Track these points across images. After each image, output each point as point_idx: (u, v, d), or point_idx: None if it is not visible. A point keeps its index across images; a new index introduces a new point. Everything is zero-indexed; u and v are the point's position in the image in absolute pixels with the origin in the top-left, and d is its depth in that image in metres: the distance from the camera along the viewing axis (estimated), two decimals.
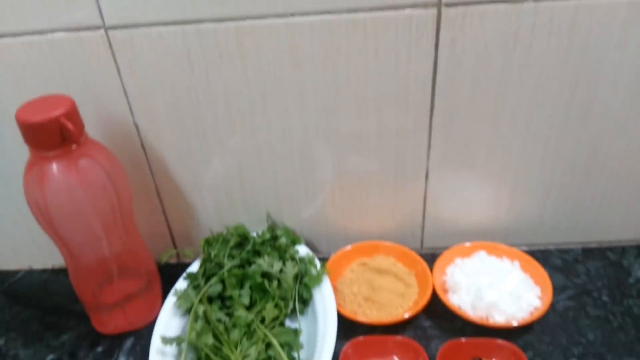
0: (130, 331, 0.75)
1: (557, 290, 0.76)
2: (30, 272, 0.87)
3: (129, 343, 0.74)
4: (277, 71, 0.66)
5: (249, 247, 0.76)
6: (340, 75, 0.66)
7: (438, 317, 0.73)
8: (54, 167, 0.59)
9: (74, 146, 0.60)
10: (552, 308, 0.73)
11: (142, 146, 0.73)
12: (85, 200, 0.62)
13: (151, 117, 0.70)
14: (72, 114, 0.59)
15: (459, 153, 0.73)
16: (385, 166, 0.75)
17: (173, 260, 0.86)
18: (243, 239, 0.78)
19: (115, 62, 0.66)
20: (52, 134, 0.58)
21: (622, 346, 0.68)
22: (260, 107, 0.69)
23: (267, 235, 0.78)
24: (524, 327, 0.70)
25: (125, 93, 0.68)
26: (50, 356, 0.73)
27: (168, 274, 0.78)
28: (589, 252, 0.82)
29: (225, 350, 0.61)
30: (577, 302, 0.74)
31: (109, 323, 0.74)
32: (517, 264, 0.76)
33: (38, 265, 0.88)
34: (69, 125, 0.57)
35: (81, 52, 0.65)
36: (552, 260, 0.81)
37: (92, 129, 0.67)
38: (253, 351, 0.60)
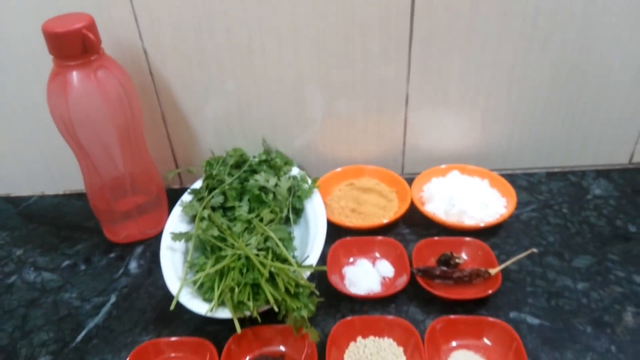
0: (140, 240, 0.83)
1: (521, 204, 0.85)
2: (42, 197, 0.95)
3: (139, 250, 0.82)
4: (272, 1, 0.74)
5: (246, 167, 0.84)
6: (330, 6, 0.75)
7: (415, 226, 0.82)
8: (76, 75, 0.67)
9: (93, 57, 0.67)
10: (516, 218, 0.83)
11: (150, 72, 0.81)
12: (103, 108, 0.69)
13: (159, 43, 0.78)
14: (92, 27, 0.66)
15: (435, 79, 0.82)
16: (369, 92, 0.83)
17: (177, 185, 0.94)
18: (241, 160, 0.86)
19: None
20: (75, 44, 0.65)
21: (578, 246, 0.77)
22: (257, 37, 0.77)
23: (263, 157, 0.86)
24: (491, 231, 0.79)
25: (136, 19, 0.76)
26: (66, 261, 0.80)
27: (173, 197, 0.86)
28: (552, 175, 0.91)
29: (230, 240, 0.69)
30: (539, 213, 0.84)
31: (121, 232, 0.82)
32: (486, 181, 0.85)
33: (50, 191, 0.95)
34: (90, 36, 0.65)
35: None
36: (518, 182, 0.90)
37: None
38: (253, 241, 0.69)
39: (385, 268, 0.74)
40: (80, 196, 0.94)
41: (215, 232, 0.70)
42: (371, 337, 0.65)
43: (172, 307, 0.64)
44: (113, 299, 0.74)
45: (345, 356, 0.63)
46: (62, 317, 0.72)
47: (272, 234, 0.70)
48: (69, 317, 0.71)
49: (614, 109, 0.85)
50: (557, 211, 0.84)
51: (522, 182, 0.90)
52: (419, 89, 0.83)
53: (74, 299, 0.74)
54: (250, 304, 0.61)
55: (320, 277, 0.73)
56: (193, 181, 0.86)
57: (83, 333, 0.69)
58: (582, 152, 0.91)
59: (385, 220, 0.79)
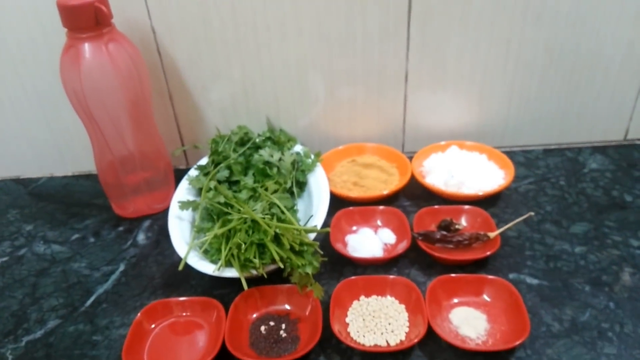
0: (148, 215, 0.85)
1: (519, 178, 0.87)
2: (51, 178, 0.97)
3: (147, 223, 0.84)
4: None
5: (251, 144, 0.86)
6: None
7: (416, 198, 0.84)
8: (88, 46, 0.70)
9: (105, 29, 0.70)
10: (514, 190, 0.85)
11: (158, 51, 0.84)
12: (115, 81, 0.72)
13: (167, 22, 0.81)
14: (104, 0, 0.69)
15: (433, 56, 0.84)
16: (370, 72, 0.86)
17: (183, 166, 0.96)
18: (246, 138, 0.88)
19: None
20: (88, 16, 0.68)
21: (575, 215, 0.79)
22: (261, 15, 0.80)
23: (267, 135, 0.88)
24: (490, 202, 0.81)
25: None
26: (76, 235, 0.82)
27: (180, 177, 0.87)
28: (549, 152, 0.94)
29: (236, 206, 0.71)
30: (537, 185, 0.86)
31: (129, 207, 0.84)
32: (484, 155, 0.87)
33: (59, 172, 0.97)
34: (103, 8, 0.68)
35: None
36: (516, 158, 0.92)
37: None
38: (259, 207, 0.71)
39: (387, 235, 0.75)
40: (88, 177, 0.96)
41: (222, 200, 0.72)
42: (374, 296, 0.66)
43: (180, 267, 0.66)
44: (122, 267, 0.75)
45: (349, 313, 0.64)
46: (72, 285, 0.73)
47: (277, 201, 0.72)
48: (78, 285, 0.73)
49: (607, 84, 0.88)
50: (554, 183, 0.86)
51: (519, 159, 0.92)
52: (418, 67, 0.85)
53: (83, 268, 0.76)
54: (257, 261, 0.63)
55: (323, 244, 0.74)
56: (199, 160, 0.88)
57: (92, 298, 0.71)
58: (578, 128, 0.93)
59: (385, 192, 0.81)
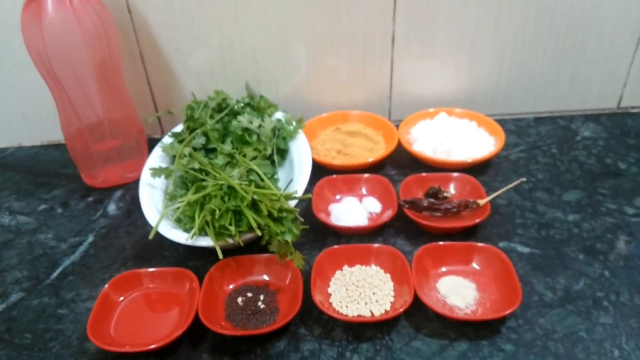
0: (120, 185, 0.80)
1: (510, 146, 0.84)
2: (19, 148, 0.91)
3: (118, 193, 0.79)
4: None
5: (229, 110, 0.82)
6: None
7: (402, 167, 0.80)
8: (50, 1, 0.64)
9: None
10: (505, 158, 0.81)
11: (128, 8, 0.78)
12: (80, 39, 0.67)
13: None
14: None
15: (420, 18, 0.80)
16: (355, 35, 0.81)
17: (157, 135, 0.91)
18: (224, 104, 0.83)
19: None
20: None
21: (568, 182, 0.76)
22: None
23: (247, 101, 0.84)
24: (480, 170, 0.78)
25: None
26: (43, 206, 0.78)
27: (153, 145, 0.83)
28: (540, 120, 0.90)
29: (212, 172, 0.67)
30: (528, 153, 0.82)
31: (99, 176, 0.79)
32: (474, 122, 0.83)
33: (27, 142, 0.92)
34: None
35: None
36: (507, 126, 0.88)
37: None
38: (236, 173, 0.66)
39: (372, 204, 0.72)
40: (58, 147, 0.91)
41: (197, 165, 0.68)
42: (358, 266, 0.63)
43: (150, 236, 0.61)
44: (90, 238, 0.71)
45: (331, 283, 0.61)
46: (37, 257, 0.69)
47: (255, 168, 0.68)
48: (43, 257, 0.69)
49: (601, 49, 0.84)
50: (546, 151, 0.82)
51: (510, 127, 0.89)
52: (405, 30, 0.81)
53: (50, 239, 0.71)
54: (233, 228, 0.59)
55: (305, 213, 0.70)
56: (174, 128, 0.84)
57: (58, 270, 0.66)
58: (570, 96, 0.89)
59: (371, 159, 0.77)
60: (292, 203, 0.65)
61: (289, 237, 0.59)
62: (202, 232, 0.61)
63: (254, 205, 0.61)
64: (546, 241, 0.66)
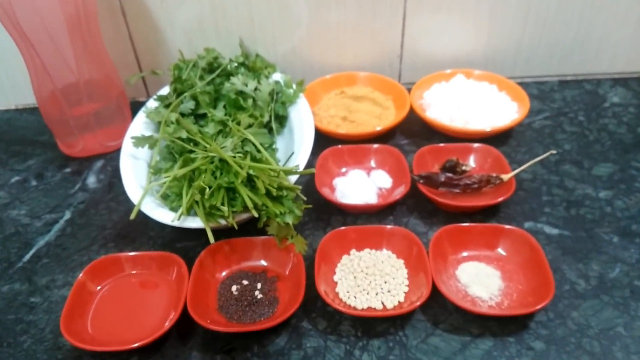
0: (100, 154, 0.72)
1: (533, 113, 0.76)
2: None
3: (99, 164, 0.71)
4: None
5: (221, 70, 0.73)
6: None
7: (415, 136, 0.72)
8: None
9: None
10: (528, 127, 0.73)
11: None
12: None
13: None
14: None
15: None
16: None
17: (143, 97, 0.83)
18: (215, 64, 0.75)
19: None
20: None
21: (598, 154, 0.68)
22: None
23: (241, 60, 0.75)
24: (501, 140, 0.70)
25: None
26: (15, 177, 0.70)
27: (137, 109, 0.74)
28: (565, 83, 0.82)
29: (201, 143, 0.59)
30: (553, 121, 0.74)
31: (77, 144, 0.71)
32: (495, 86, 0.75)
33: (0, 105, 0.83)
34: None
35: None
36: (529, 90, 0.80)
37: None
38: (229, 144, 0.59)
39: (382, 178, 0.64)
40: (34, 110, 0.82)
41: (184, 134, 0.60)
42: (367, 250, 0.56)
43: (132, 215, 0.54)
44: (67, 215, 0.64)
45: (337, 270, 0.54)
46: (8, 236, 0.62)
47: (251, 137, 0.60)
48: (15, 236, 0.62)
49: (634, 6, 0.75)
50: (572, 119, 0.75)
51: (533, 91, 0.80)
52: None
53: (23, 216, 0.64)
54: (225, 209, 0.51)
55: (307, 189, 0.63)
56: (160, 90, 0.75)
57: (31, 252, 0.59)
58: (598, 58, 0.81)
59: (379, 128, 0.69)
60: (293, 179, 0.57)
61: (289, 219, 0.52)
62: (191, 211, 0.54)
63: (250, 181, 0.54)
64: (576, 221, 0.59)
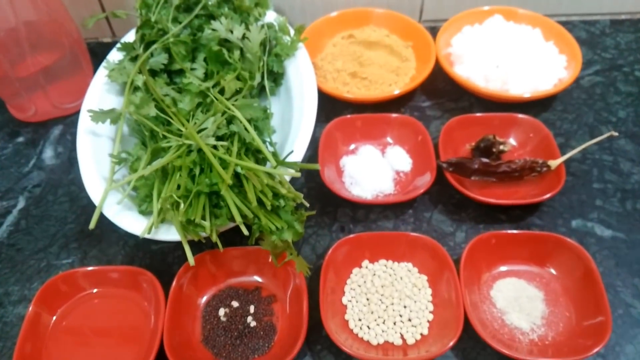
0: (57, 118, 0.60)
1: (582, 65, 0.62)
2: None
3: (56, 131, 0.59)
4: None
5: (199, 9, 0.58)
6: None
7: (440, 97, 0.60)
8: None
9: None
10: (576, 84, 0.61)
11: None
12: None
13: None
14: None
15: None
16: None
17: (107, 38, 0.68)
18: (192, 1, 0.59)
19: None
20: None
21: None
22: None
23: None
24: (543, 103, 0.58)
25: None
26: None
27: (102, 54, 0.61)
28: (618, 24, 0.68)
29: (175, 123, 0.47)
30: (605, 77, 0.62)
31: (28, 107, 0.58)
32: (538, 30, 0.61)
33: None
34: None
35: None
36: (575, 32, 0.66)
37: None
38: (210, 124, 0.46)
39: (401, 159, 0.53)
40: None
41: (153, 112, 0.47)
42: (382, 261, 0.46)
43: (91, 225, 0.43)
44: (21, 203, 0.53)
45: (347, 289, 0.45)
46: None
47: (238, 113, 0.48)
48: None
49: None
50: (628, 74, 0.62)
51: (580, 34, 0.66)
52: None
53: None
54: (207, 223, 0.41)
55: (308, 171, 0.52)
56: (127, 32, 0.61)
57: None
58: None
59: (397, 91, 0.56)
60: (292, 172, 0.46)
61: (288, 236, 0.41)
62: (164, 219, 0.43)
63: (237, 178, 0.42)
64: (633, 219, 0.49)
